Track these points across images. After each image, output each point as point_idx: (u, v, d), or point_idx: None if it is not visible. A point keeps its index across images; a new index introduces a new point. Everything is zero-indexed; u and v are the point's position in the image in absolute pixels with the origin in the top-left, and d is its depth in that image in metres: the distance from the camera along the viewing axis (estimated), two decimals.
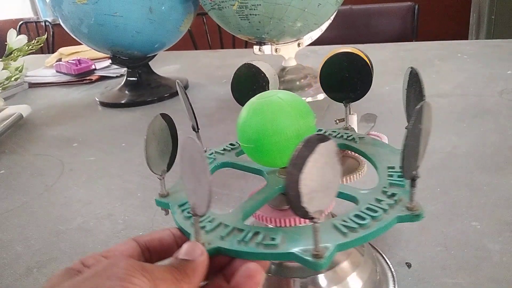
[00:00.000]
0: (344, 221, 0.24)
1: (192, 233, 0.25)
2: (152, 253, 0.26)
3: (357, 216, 0.25)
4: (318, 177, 0.21)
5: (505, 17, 1.60)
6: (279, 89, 0.36)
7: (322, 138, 0.20)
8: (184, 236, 0.26)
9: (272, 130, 0.28)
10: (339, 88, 0.36)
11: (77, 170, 0.62)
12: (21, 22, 2.59)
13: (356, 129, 0.38)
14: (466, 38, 2.11)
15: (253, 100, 0.30)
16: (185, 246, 0.24)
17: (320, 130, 0.38)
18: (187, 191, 0.24)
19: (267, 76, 0.37)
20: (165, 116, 0.31)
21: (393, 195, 0.26)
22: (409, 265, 0.35)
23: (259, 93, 0.33)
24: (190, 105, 0.35)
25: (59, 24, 0.87)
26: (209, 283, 0.25)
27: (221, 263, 0.25)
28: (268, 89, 0.37)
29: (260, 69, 0.37)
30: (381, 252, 0.38)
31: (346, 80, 0.35)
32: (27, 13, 3.53)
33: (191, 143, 0.23)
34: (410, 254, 0.37)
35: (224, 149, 0.37)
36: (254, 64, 0.37)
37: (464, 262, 0.35)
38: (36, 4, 3.56)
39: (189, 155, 0.23)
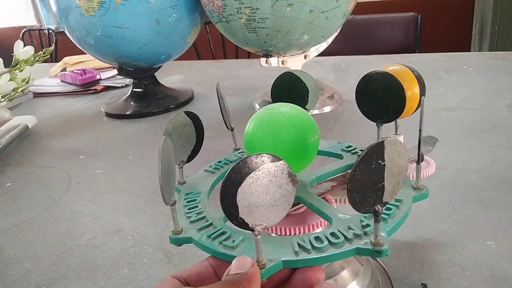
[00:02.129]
0: (303, 240, 0.25)
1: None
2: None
3: (317, 238, 0.25)
4: (260, 193, 0.22)
5: (509, 28, 1.60)
6: None
7: (272, 158, 0.22)
8: (222, 264, 0.26)
9: (266, 141, 0.30)
10: (372, 108, 0.35)
11: (85, 183, 0.62)
12: (24, 29, 2.60)
13: None
14: (469, 49, 2.11)
15: (259, 110, 0.32)
16: (234, 262, 0.24)
17: (350, 146, 0.37)
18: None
19: (307, 86, 0.37)
20: (190, 114, 0.34)
21: (367, 226, 0.26)
22: (425, 287, 0.35)
23: (298, 102, 0.35)
24: (221, 105, 0.37)
25: (62, 32, 0.87)
26: None
27: (282, 276, 0.25)
28: (308, 99, 0.37)
29: (300, 79, 0.37)
30: (380, 262, 0.38)
31: (380, 100, 0.34)
32: (30, 21, 3.54)
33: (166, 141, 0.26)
34: (425, 274, 0.36)
35: None
36: (294, 73, 0.37)
37: (481, 283, 0.35)
38: (39, 12, 3.57)
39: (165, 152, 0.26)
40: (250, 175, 0.22)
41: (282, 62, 0.81)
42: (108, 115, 0.93)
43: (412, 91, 0.35)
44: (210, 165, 0.38)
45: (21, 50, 0.81)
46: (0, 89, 0.76)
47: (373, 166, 0.22)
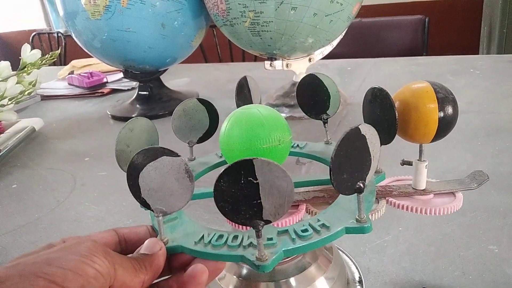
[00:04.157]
0: (209, 234, 0.27)
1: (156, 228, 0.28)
2: (128, 245, 0.29)
3: (220, 236, 0.26)
4: (158, 181, 0.25)
5: None
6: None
7: (171, 153, 0.24)
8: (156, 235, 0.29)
9: (227, 139, 0.31)
10: (374, 125, 0.30)
11: (89, 185, 0.62)
12: (34, 33, 2.63)
13: (421, 180, 0.33)
14: (477, 52, 2.10)
15: (237, 109, 0.32)
16: (146, 242, 0.27)
17: None
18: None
19: (329, 91, 0.37)
20: (203, 101, 0.37)
21: (270, 239, 0.25)
22: None
23: (320, 105, 0.37)
24: (238, 99, 0.38)
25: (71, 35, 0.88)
26: (171, 277, 0.28)
27: (187, 260, 0.27)
28: (329, 104, 0.37)
29: (323, 83, 0.37)
30: (348, 255, 0.39)
31: (378, 118, 0.31)
32: (39, 24, 3.58)
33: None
34: (427, 278, 0.36)
35: None
36: (317, 76, 0.37)
37: None
38: (49, 16, 3.61)
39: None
40: (150, 164, 0.24)
41: (287, 65, 0.81)
42: (114, 117, 0.94)
43: (430, 116, 0.30)
44: None
45: (28, 54, 0.82)
46: (7, 92, 0.77)
47: (242, 181, 0.22)
